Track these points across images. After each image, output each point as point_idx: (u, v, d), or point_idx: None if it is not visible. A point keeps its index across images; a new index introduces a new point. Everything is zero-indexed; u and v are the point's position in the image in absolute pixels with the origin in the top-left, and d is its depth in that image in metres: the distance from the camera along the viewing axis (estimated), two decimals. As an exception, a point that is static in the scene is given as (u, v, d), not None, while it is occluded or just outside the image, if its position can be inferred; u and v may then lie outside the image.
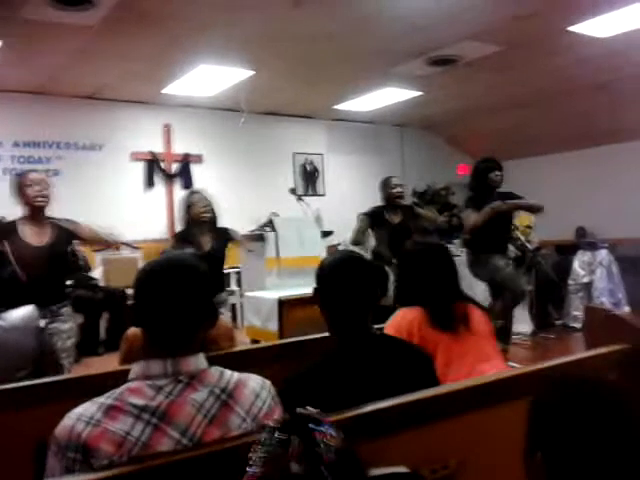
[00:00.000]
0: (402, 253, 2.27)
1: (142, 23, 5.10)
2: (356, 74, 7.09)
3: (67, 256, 3.36)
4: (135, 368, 1.26)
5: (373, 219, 5.11)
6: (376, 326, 1.76)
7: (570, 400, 1.01)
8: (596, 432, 0.96)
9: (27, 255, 3.12)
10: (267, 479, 0.98)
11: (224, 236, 4.02)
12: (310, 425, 1.01)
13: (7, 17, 4.75)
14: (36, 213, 3.21)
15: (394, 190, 5.04)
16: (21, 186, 3.18)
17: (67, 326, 3.26)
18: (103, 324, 6.38)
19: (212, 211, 3.97)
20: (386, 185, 5.11)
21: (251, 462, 1.00)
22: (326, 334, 1.77)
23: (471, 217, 4.76)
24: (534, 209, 4.95)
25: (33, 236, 3.18)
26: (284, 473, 0.97)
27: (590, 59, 6.61)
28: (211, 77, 6.80)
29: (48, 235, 3.23)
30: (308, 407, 1.06)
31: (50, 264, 3.17)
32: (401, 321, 2.17)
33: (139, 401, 1.18)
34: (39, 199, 3.17)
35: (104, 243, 3.73)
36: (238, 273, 7.03)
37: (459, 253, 8.00)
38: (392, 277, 2.26)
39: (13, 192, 3.23)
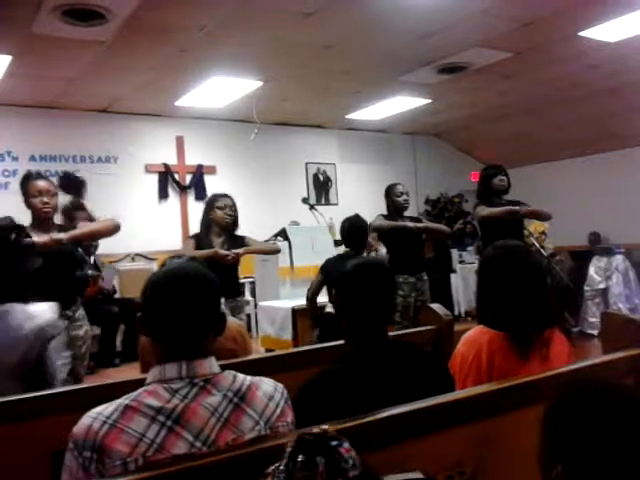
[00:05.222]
0: (481, 259, 1.94)
1: (154, 37, 5.16)
2: (366, 83, 7.12)
3: (75, 257, 3.32)
4: (151, 373, 1.28)
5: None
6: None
7: (594, 405, 0.91)
8: (626, 439, 0.86)
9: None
10: None
11: (241, 243, 4.03)
12: (332, 443, 0.96)
13: (18, 32, 4.81)
14: (42, 221, 3.20)
15: (400, 198, 4.75)
16: (28, 194, 3.17)
17: (82, 332, 3.26)
18: (119, 336, 6.40)
19: (235, 219, 4.02)
20: (391, 193, 4.82)
21: None
22: (340, 342, 1.76)
23: (485, 209, 4.63)
24: (544, 217, 4.91)
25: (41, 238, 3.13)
26: None
27: (601, 64, 6.59)
28: (223, 89, 6.85)
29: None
30: (321, 424, 1.00)
31: (58, 262, 3.11)
32: (482, 345, 1.83)
33: (155, 403, 1.20)
34: (45, 210, 3.17)
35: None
36: (252, 283, 7.03)
37: (473, 260, 8.02)
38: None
39: (21, 192, 3.20)
